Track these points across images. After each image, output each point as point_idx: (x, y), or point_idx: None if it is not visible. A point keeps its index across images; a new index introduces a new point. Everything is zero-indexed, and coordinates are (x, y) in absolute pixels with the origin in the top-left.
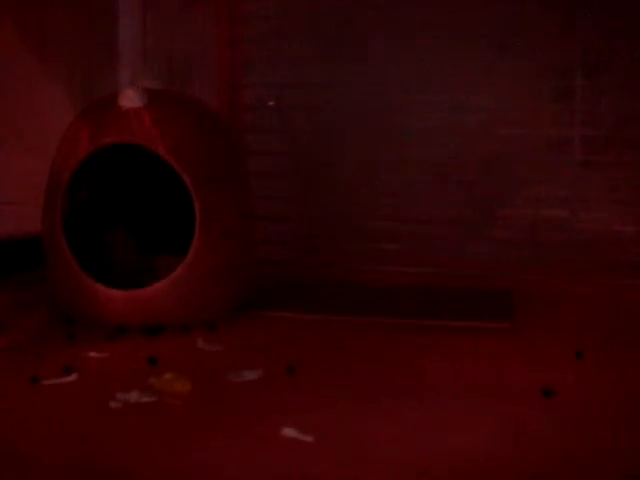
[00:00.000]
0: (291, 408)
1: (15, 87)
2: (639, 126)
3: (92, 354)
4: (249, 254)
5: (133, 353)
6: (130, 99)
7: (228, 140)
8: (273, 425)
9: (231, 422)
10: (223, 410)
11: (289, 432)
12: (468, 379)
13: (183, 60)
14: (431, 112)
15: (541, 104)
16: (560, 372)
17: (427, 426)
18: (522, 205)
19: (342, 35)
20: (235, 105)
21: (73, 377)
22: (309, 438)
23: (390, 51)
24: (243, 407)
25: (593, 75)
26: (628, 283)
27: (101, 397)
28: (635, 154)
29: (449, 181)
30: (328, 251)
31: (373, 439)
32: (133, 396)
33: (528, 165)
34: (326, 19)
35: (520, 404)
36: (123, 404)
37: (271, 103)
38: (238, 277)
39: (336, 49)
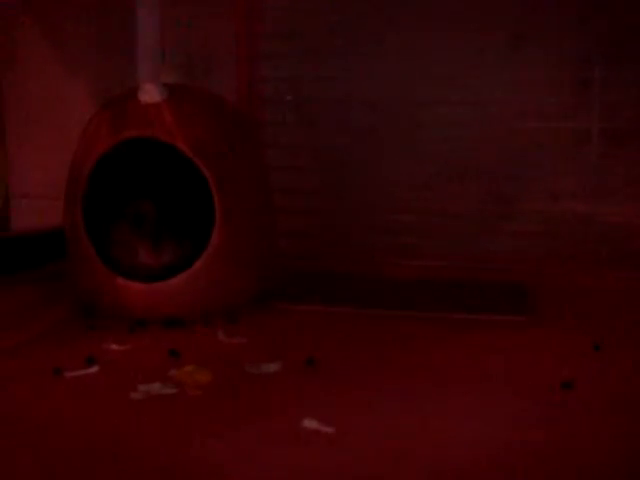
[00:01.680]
0: (311, 400)
1: (35, 83)
2: None
3: (113, 346)
4: (269, 247)
5: (154, 345)
6: (150, 94)
7: (247, 134)
8: (294, 416)
9: (252, 413)
10: (244, 401)
11: (310, 423)
12: (487, 371)
13: (201, 55)
14: (448, 105)
15: (559, 96)
16: (578, 365)
17: (447, 417)
18: (540, 198)
19: (359, 29)
20: (253, 99)
21: (95, 369)
22: (330, 429)
23: (406, 44)
24: (264, 398)
25: (612, 66)
26: None
27: (123, 388)
28: None
29: (467, 175)
30: (347, 244)
31: (394, 429)
32: (155, 387)
33: (546, 158)
34: (343, 13)
35: (538, 396)
36: (145, 395)
37: (289, 97)
38: (258, 270)
39: (353, 43)
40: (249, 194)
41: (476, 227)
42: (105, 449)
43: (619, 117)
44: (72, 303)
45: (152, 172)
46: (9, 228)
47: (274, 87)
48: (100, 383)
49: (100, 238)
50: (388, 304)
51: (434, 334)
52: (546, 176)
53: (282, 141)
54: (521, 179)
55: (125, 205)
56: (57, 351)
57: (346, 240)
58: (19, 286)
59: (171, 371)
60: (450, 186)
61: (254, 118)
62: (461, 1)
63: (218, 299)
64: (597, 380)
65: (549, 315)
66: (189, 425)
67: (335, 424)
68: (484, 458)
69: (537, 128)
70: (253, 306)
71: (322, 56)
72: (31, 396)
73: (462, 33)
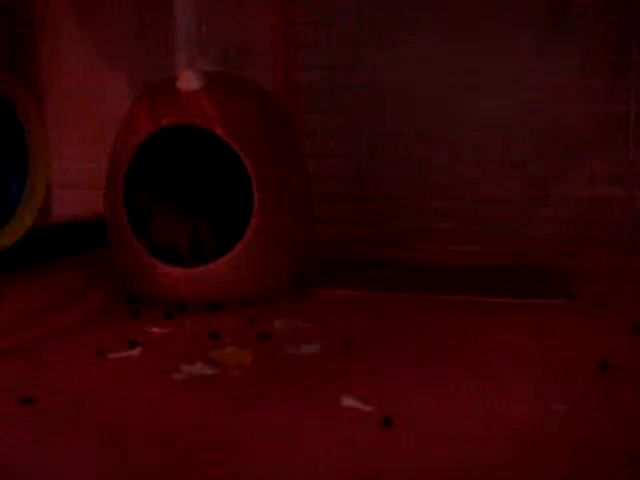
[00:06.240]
0: (350, 380)
1: (73, 74)
2: None
3: (155, 329)
4: (306, 232)
5: (194, 329)
6: (188, 81)
7: (284, 120)
8: (333, 395)
9: (292, 392)
10: (284, 381)
11: (348, 402)
12: (524, 354)
13: (238, 42)
14: (484, 91)
15: (596, 80)
16: (616, 346)
17: (484, 397)
18: (577, 183)
19: (393, 17)
20: (289, 86)
21: (137, 351)
22: (368, 408)
23: (441, 31)
24: (303, 378)
25: None
26: None
27: (165, 369)
28: None
29: (504, 160)
30: (382, 229)
31: (431, 409)
32: (196, 368)
33: (583, 142)
34: (378, 1)
35: (576, 377)
36: (187, 376)
37: (324, 85)
38: (295, 255)
39: (388, 30)
40: (286, 180)
41: (513, 212)
42: (148, 426)
43: None
44: (114, 288)
45: (191, 159)
46: (50, 217)
47: (310, 74)
48: (142, 364)
49: (140, 224)
50: (423, 289)
51: (470, 318)
52: (583, 160)
53: (317, 128)
54: (558, 164)
55: (165, 191)
56: (100, 334)
57: (381, 226)
58: (61, 272)
59: (212, 353)
60: (486, 171)
61: (289, 105)
62: None
63: (256, 284)
64: (636, 361)
65: (587, 299)
66: (230, 403)
67: (374, 401)
68: (523, 436)
69: (574, 112)
70: (290, 291)
71: (357, 44)
72: (75, 376)
73: (498, 19)
